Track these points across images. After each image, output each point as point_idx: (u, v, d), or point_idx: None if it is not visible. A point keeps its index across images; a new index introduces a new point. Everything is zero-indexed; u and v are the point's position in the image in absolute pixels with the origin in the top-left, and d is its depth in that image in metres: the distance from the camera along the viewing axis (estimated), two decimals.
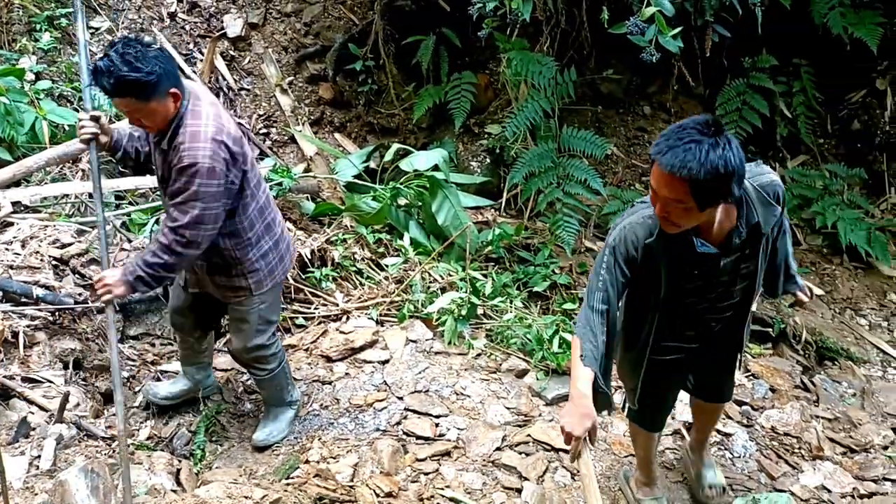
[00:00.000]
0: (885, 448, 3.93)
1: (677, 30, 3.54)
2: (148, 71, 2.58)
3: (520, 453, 3.48)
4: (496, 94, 5.56)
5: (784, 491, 3.50)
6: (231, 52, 5.88)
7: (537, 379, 3.94)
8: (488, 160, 5.41)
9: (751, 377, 4.37)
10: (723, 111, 5.65)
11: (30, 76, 5.00)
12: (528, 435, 3.57)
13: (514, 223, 5.10)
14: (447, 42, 5.38)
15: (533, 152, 4.81)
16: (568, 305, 4.49)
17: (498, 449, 3.48)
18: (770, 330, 4.78)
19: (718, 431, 3.79)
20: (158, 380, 3.82)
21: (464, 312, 4.16)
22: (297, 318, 4.37)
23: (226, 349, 3.78)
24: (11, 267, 3.70)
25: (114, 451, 3.09)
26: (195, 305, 3.36)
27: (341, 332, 4.20)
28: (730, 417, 3.95)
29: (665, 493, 3.34)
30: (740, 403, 4.10)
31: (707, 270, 2.49)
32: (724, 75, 5.66)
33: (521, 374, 4.01)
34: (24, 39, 5.26)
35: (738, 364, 3.08)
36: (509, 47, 4.96)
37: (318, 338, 4.22)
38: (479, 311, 4.30)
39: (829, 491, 3.57)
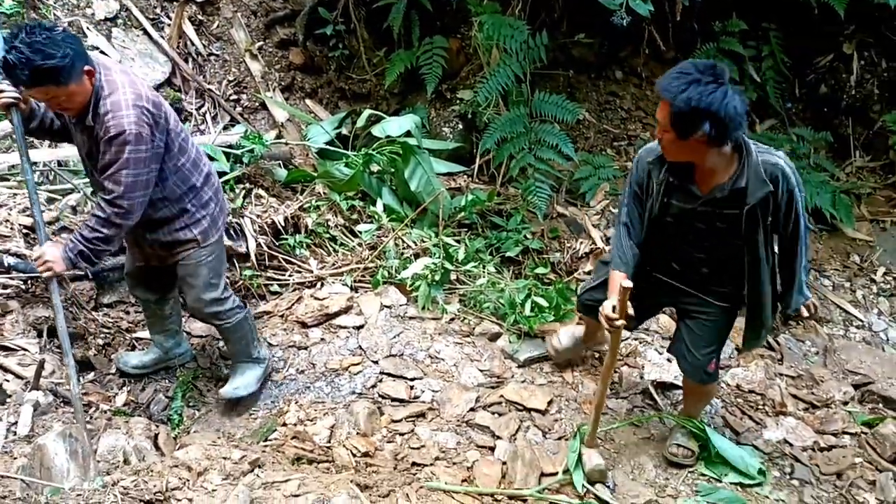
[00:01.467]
0: (846, 403, 4.09)
1: None
2: (62, 55, 2.57)
3: (493, 413, 3.56)
4: (468, 58, 5.54)
5: (748, 445, 3.64)
6: (199, 17, 5.77)
7: (510, 342, 4.01)
8: (460, 126, 5.41)
9: None
10: None
11: None
12: (501, 396, 3.65)
13: (487, 189, 5.13)
14: (418, 6, 5.32)
15: (505, 118, 4.82)
16: (540, 270, 4.56)
17: (471, 409, 3.56)
18: None
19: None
20: (133, 349, 3.84)
21: (437, 278, 4.20)
22: (271, 284, 4.39)
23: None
24: None
25: (91, 418, 3.11)
26: (145, 271, 3.42)
27: (316, 299, 4.23)
28: None
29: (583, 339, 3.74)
30: None
31: (685, 210, 2.80)
32: (695, 40, 5.68)
33: (494, 337, 4.08)
34: None
35: (715, 346, 3.12)
36: (481, 11, 4.93)
37: (293, 304, 4.25)
38: (453, 276, 4.35)
39: (791, 445, 3.71)
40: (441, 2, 5.22)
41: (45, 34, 2.58)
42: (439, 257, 4.26)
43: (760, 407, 3.97)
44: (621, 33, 4.20)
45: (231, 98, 5.67)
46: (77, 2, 5.49)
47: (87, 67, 2.69)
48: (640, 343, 4.21)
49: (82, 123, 2.81)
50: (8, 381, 3.08)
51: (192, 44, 5.67)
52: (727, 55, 5.61)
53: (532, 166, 4.64)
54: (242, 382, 3.56)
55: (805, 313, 3.01)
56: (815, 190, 5.49)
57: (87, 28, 5.39)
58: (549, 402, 3.65)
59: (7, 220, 3.81)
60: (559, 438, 3.44)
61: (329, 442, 3.29)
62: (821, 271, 5.43)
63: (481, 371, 3.85)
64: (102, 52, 5.25)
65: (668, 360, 4.09)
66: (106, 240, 2.89)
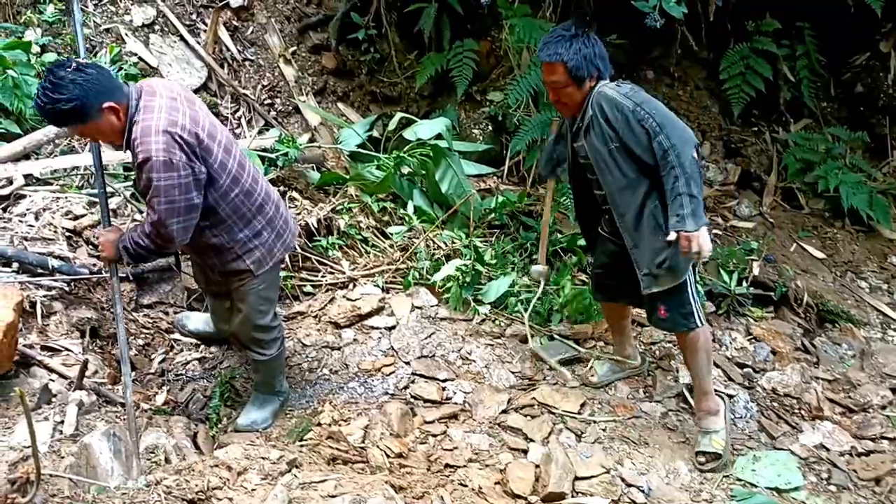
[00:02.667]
0: (884, 408, 4.03)
1: None
2: (67, 98, 2.60)
3: (525, 416, 3.58)
4: (498, 61, 5.55)
5: (784, 450, 3.60)
6: (234, 23, 5.86)
7: (541, 343, 4.02)
8: (490, 128, 5.43)
9: (752, 340, 4.45)
10: (726, 75, 5.64)
11: (35, 49, 5.00)
12: (533, 398, 3.66)
13: (517, 190, 5.14)
14: (449, 9, 5.35)
15: (535, 119, 4.82)
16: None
17: (504, 411, 3.58)
18: (772, 294, 4.84)
19: (720, 393, 3.87)
20: (194, 310, 3.99)
21: (468, 279, 4.23)
22: (304, 285, 4.45)
23: None
24: (26, 238, 3.77)
25: (134, 417, 3.18)
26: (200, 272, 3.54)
27: (348, 300, 4.28)
28: (731, 379, 4.05)
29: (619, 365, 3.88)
30: (741, 366, 4.19)
31: (571, 150, 3.35)
32: (728, 39, 5.64)
33: (525, 339, 4.10)
34: (28, 12, 5.25)
35: (648, 293, 3.27)
36: (511, 14, 4.95)
37: (325, 305, 4.31)
38: (483, 277, 4.37)
39: (828, 449, 3.67)
40: (472, 5, 5.24)
41: (53, 79, 2.62)
42: (470, 258, 4.28)
43: (796, 411, 3.94)
44: (653, 34, 4.18)
45: (265, 102, 5.75)
46: (115, 9, 5.62)
47: (107, 105, 2.69)
48: (674, 346, 4.19)
49: (127, 150, 2.84)
50: (53, 381, 3.16)
51: (228, 49, 5.76)
52: (761, 55, 5.56)
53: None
54: (260, 416, 3.52)
55: (682, 244, 2.98)
56: (852, 190, 5.42)
57: (126, 34, 5.51)
58: (582, 405, 3.66)
59: (51, 224, 3.91)
60: (593, 442, 3.44)
61: (363, 442, 3.33)
62: (857, 273, 5.35)
63: (513, 373, 3.87)
64: (141, 59, 5.37)
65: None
66: (148, 250, 2.93)
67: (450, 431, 3.43)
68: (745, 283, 4.71)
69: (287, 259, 4.36)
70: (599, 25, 4.95)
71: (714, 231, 5.23)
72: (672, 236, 2.99)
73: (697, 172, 2.97)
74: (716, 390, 3.85)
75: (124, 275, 3.90)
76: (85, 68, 2.70)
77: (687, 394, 3.81)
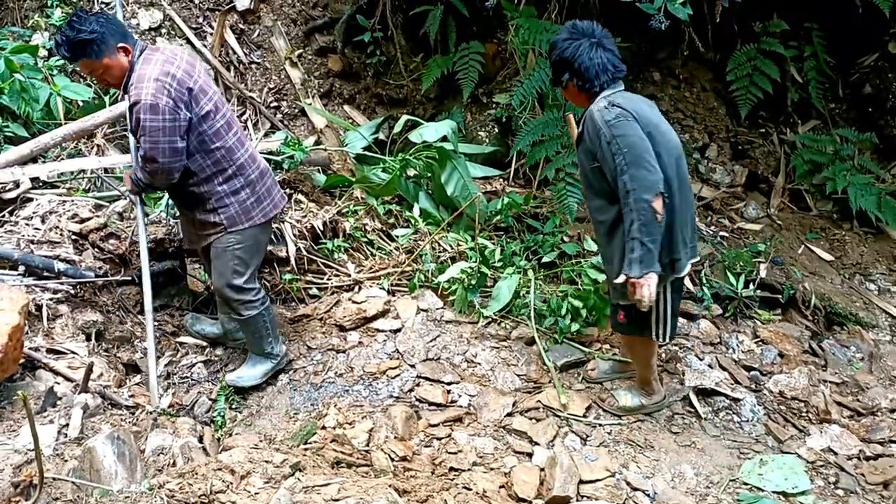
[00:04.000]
0: (892, 411, 3.99)
1: None
2: (90, 30, 3.00)
3: (530, 419, 3.56)
4: (504, 63, 5.54)
5: (791, 453, 3.58)
6: (241, 26, 5.87)
7: (546, 347, 4.01)
8: (496, 130, 5.42)
9: (759, 343, 4.42)
10: (733, 76, 5.61)
11: (43, 52, 5.04)
12: (538, 401, 3.65)
13: (523, 192, 5.13)
14: (455, 12, 5.34)
15: (539, 120, 4.80)
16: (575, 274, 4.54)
17: (509, 415, 3.57)
18: (779, 296, 4.81)
19: (726, 396, 3.86)
20: (201, 312, 4.17)
21: (473, 282, 4.22)
22: (310, 288, 4.45)
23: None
24: (33, 242, 3.79)
25: (137, 420, 3.19)
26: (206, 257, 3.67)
27: (354, 302, 4.27)
28: (738, 382, 4.02)
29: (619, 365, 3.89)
30: (748, 368, 4.16)
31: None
32: (735, 40, 5.60)
33: (531, 341, 4.08)
34: (35, 16, 5.29)
35: (614, 303, 3.35)
36: (517, 16, 4.93)
37: (331, 307, 4.31)
38: (489, 280, 4.35)
39: (836, 453, 3.64)
40: (477, 8, 5.23)
41: (80, 14, 3.05)
42: (475, 261, 4.27)
43: (804, 414, 3.91)
44: (660, 36, 4.16)
45: (271, 105, 5.76)
46: (122, 12, 5.63)
47: (121, 44, 3.09)
48: (680, 349, 4.17)
49: (125, 98, 3.16)
50: (58, 383, 3.17)
51: (234, 52, 5.78)
52: (768, 56, 5.52)
53: (565, 169, 4.62)
54: (248, 373, 3.74)
55: (629, 289, 3.00)
56: (860, 192, 5.38)
57: None
58: (588, 408, 3.64)
59: (57, 227, 3.93)
60: (599, 445, 3.42)
61: (367, 446, 3.32)
62: (866, 275, 5.31)
63: (518, 376, 3.86)
64: None
65: (710, 366, 4.05)
66: (146, 181, 3.31)
67: (454, 435, 3.42)
68: (752, 286, 4.68)
69: (293, 262, 4.36)
70: (604, 25, 4.92)
71: (721, 233, 5.20)
72: (621, 278, 3.00)
73: (653, 221, 2.90)
74: (724, 393, 3.85)
75: (129, 278, 3.92)
76: (105, 14, 3.14)
77: (693, 397, 3.79)
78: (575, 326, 4.05)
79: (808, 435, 3.74)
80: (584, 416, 3.59)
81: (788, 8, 5.49)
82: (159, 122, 3.06)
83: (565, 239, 4.62)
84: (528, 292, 4.22)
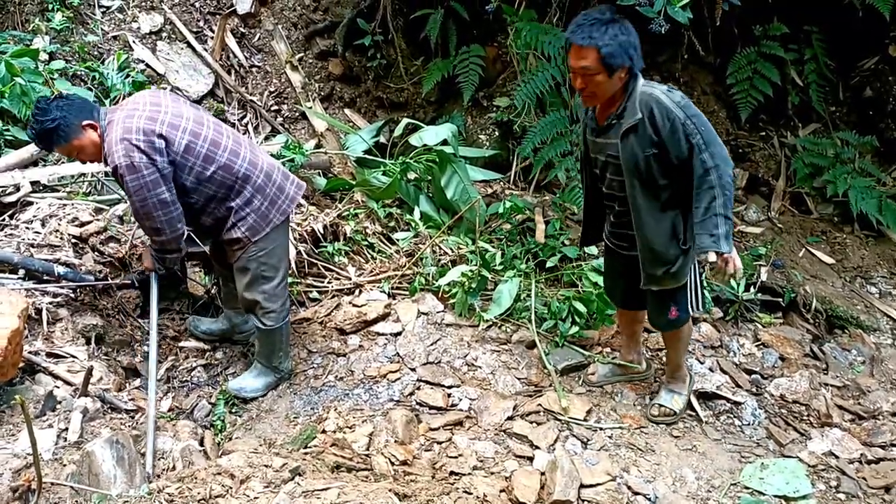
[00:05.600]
0: (894, 415, 3.98)
1: (687, 0, 3.53)
2: (51, 118, 3.05)
3: (531, 423, 3.55)
4: (505, 66, 5.55)
5: (792, 457, 3.57)
6: (241, 29, 5.89)
7: (546, 350, 4.00)
8: (497, 133, 5.42)
9: (760, 346, 4.41)
10: (734, 80, 5.62)
11: (43, 56, 5.04)
12: (539, 405, 3.64)
13: (523, 195, 5.13)
14: (455, 15, 5.36)
15: (543, 121, 4.81)
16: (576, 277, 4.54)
17: (509, 418, 3.56)
18: (780, 300, 4.80)
19: (727, 399, 3.85)
20: (204, 315, 4.15)
21: (474, 285, 4.22)
22: (311, 291, 4.45)
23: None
24: (32, 245, 3.78)
25: (137, 424, 3.19)
26: (218, 247, 3.68)
27: (354, 306, 4.27)
28: (739, 386, 4.01)
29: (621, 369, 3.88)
30: (749, 372, 4.15)
31: (593, 144, 3.14)
32: (735, 44, 5.61)
33: (532, 345, 4.07)
34: (36, 20, 5.29)
35: (642, 282, 3.28)
36: (517, 19, 4.94)
37: (331, 311, 4.30)
38: (490, 283, 4.35)
39: (837, 457, 3.62)
40: (477, 11, 5.24)
41: (40, 105, 3.09)
42: (476, 264, 4.27)
43: (805, 418, 3.89)
44: (660, 39, 4.16)
45: (272, 108, 5.77)
46: (123, 16, 5.66)
47: (85, 122, 3.11)
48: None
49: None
50: (58, 387, 3.17)
51: (235, 56, 5.79)
52: (768, 59, 5.53)
53: (572, 170, 4.63)
54: (250, 384, 3.73)
55: (719, 264, 2.98)
56: (861, 195, 5.38)
57: (133, 42, 5.54)
58: (588, 412, 3.63)
59: (57, 231, 3.93)
60: (599, 449, 3.41)
61: (368, 450, 3.31)
62: (867, 279, 5.30)
63: (519, 379, 3.85)
64: (148, 66, 5.39)
65: (710, 369, 4.05)
66: (160, 251, 3.33)
67: (455, 438, 3.41)
68: (752, 289, 4.67)
69: (294, 265, 4.35)
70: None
71: None
72: (712, 257, 2.96)
73: (733, 195, 2.97)
74: (725, 396, 3.85)
75: (129, 281, 3.91)
76: (65, 97, 3.17)
77: (694, 401, 3.78)
78: (575, 329, 4.05)
79: (809, 439, 3.73)
80: (585, 419, 3.58)
81: (788, 11, 5.49)
82: (140, 179, 3.05)
83: (566, 242, 4.61)
84: (528, 296, 4.22)
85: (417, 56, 5.80)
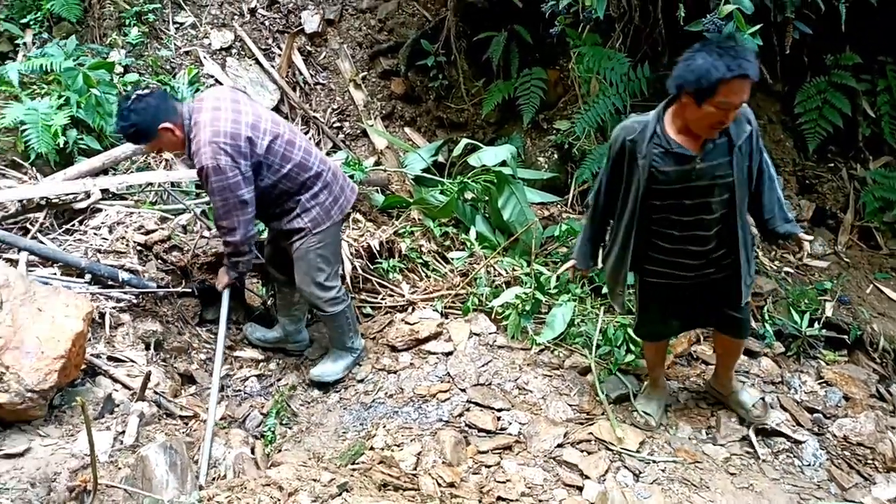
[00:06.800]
0: None
1: (756, 27, 3.46)
2: (131, 123, 3.25)
3: (581, 451, 3.48)
4: (566, 89, 5.53)
5: (855, 502, 3.41)
6: (308, 48, 6.02)
7: (600, 378, 3.92)
8: (556, 156, 5.39)
9: (824, 384, 4.24)
10: (802, 109, 5.46)
11: (118, 69, 5.24)
12: (591, 433, 3.57)
13: (579, 219, 5.07)
14: (518, 38, 5.38)
15: (602, 148, 4.76)
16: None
17: (559, 445, 3.50)
18: (846, 337, 4.62)
19: (787, 437, 3.71)
20: (259, 323, 4.30)
21: (528, 308, 4.17)
22: (364, 307, 4.47)
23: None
24: (99, 251, 3.90)
25: (191, 430, 3.24)
26: (279, 256, 3.87)
27: (407, 323, 4.27)
28: (800, 424, 3.86)
29: (664, 397, 3.81)
30: (811, 411, 3.99)
31: (683, 173, 2.91)
32: (805, 72, 5.46)
33: (584, 371, 4.01)
34: (114, 34, 5.51)
35: (742, 299, 3.24)
36: (580, 43, 4.92)
37: (384, 327, 4.32)
38: (543, 306, 4.30)
39: None
40: (541, 34, 5.24)
41: (121, 112, 3.27)
42: (531, 287, 4.23)
43: (869, 462, 3.72)
44: None
45: (334, 125, 5.86)
46: (195, 32, 5.84)
47: (162, 126, 3.28)
48: (742, 386, 4.03)
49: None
50: (117, 391, 3.24)
51: (300, 73, 5.91)
52: (839, 89, 5.36)
53: None
54: (330, 369, 3.94)
55: (806, 238, 3.16)
56: None
57: (204, 57, 5.71)
58: (641, 444, 3.54)
59: (123, 238, 4.04)
60: (652, 482, 3.32)
61: (415, 469, 3.29)
62: None
63: (570, 406, 3.78)
64: (217, 81, 5.55)
65: (770, 405, 3.91)
66: (234, 254, 3.54)
67: (504, 463, 3.37)
68: (817, 325, 4.50)
69: (349, 280, 4.39)
70: (670, 55, 4.87)
71: (785, 268, 5.04)
72: (808, 237, 3.16)
73: None
74: (785, 434, 3.71)
75: (189, 290, 4.00)
76: (144, 98, 3.29)
77: (753, 438, 3.66)
78: (630, 358, 3.97)
79: (873, 483, 3.56)
80: (638, 451, 3.49)
81: (862, 41, 5.33)
82: (224, 181, 3.27)
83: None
84: (583, 321, 4.16)
85: (479, 77, 5.83)
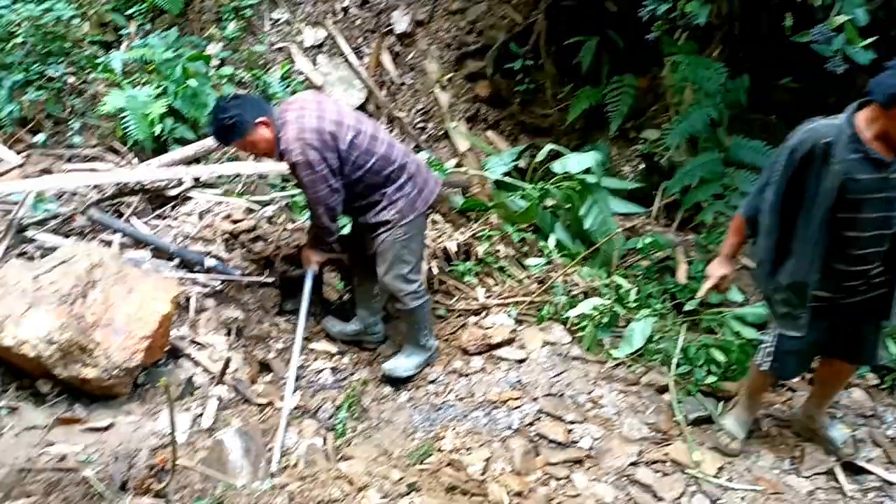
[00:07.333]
0: None
1: (869, 40, 3.28)
2: (229, 116, 3.35)
3: (656, 472, 3.36)
4: (657, 98, 5.39)
5: None
6: (396, 48, 6.06)
7: (678, 398, 3.79)
8: (642, 166, 5.27)
9: None
10: None
11: (215, 62, 5.40)
12: (666, 454, 3.44)
13: (665, 232, 4.93)
14: (610, 43, 5.27)
15: (696, 161, 4.62)
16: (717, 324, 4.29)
17: (633, 464, 3.39)
18: None
19: (878, 476, 3.49)
20: (336, 317, 4.33)
21: (605, 320, 4.08)
22: (438, 308, 4.45)
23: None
24: (188, 237, 4.02)
25: (265, 418, 3.29)
26: (358, 247, 3.91)
27: (480, 327, 4.24)
28: (892, 462, 3.63)
29: (751, 422, 3.61)
30: None
31: (876, 181, 2.74)
32: None
33: (662, 389, 3.88)
34: (212, 28, 5.68)
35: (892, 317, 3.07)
36: (676, 51, 4.78)
37: (456, 330, 4.29)
38: (621, 320, 4.19)
39: None
40: (633, 40, 5.12)
41: (220, 106, 3.42)
42: (609, 299, 4.13)
43: None
44: (831, 80, 3.89)
45: (417, 125, 5.89)
46: (289, 29, 5.97)
47: (258, 120, 3.39)
48: (832, 421, 3.82)
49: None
50: (197, 374, 3.32)
51: (387, 73, 5.96)
52: None
53: (723, 214, 4.39)
54: (403, 364, 3.94)
55: None
56: None
57: (296, 54, 5.83)
58: (720, 469, 3.40)
59: (211, 225, 4.15)
60: None
61: (483, 475, 3.25)
62: None
63: (646, 424, 3.66)
64: (307, 78, 5.65)
65: (861, 440, 3.69)
66: (322, 232, 3.65)
67: (574, 477, 3.29)
68: None
69: (425, 281, 4.38)
70: (774, 66, 4.69)
71: None
72: None
73: None
74: (875, 473, 3.49)
75: (272, 280, 4.07)
76: (241, 96, 3.55)
77: (839, 472, 3.45)
78: (712, 379, 3.82)
79: None
80: (716, 476, 3.35)
81: None
82: (315, 174, 3.40)
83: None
84: (662, 337, 4.03)
85: (566, 82, 5.74)
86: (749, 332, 4.05)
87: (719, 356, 3.87)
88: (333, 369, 4.09)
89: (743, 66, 4.79)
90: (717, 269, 3.27)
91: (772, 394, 4.03)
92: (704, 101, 4.66)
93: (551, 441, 3.53)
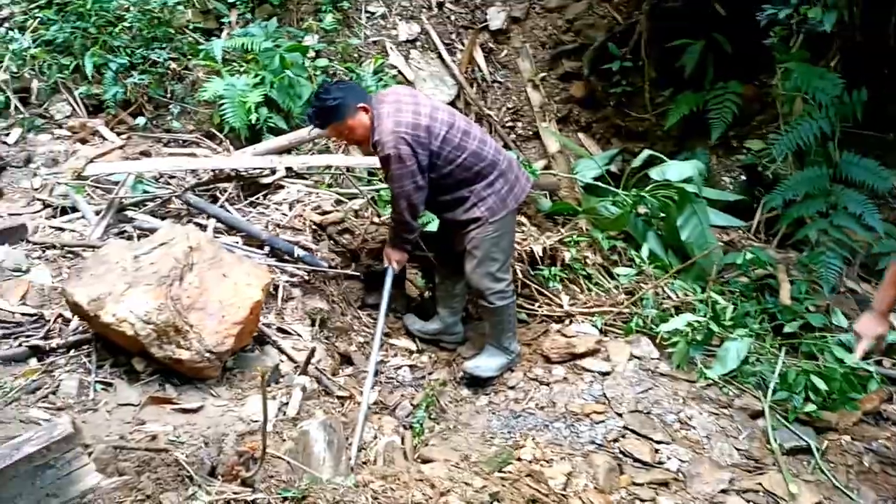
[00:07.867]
0: None
1: None
2: (333, 97, 3.40)
3: (747, 501, 3.19)
4: (763, 107, 5.14)
5: None
6: (490, 45, 5.99)
7: (773, 425, 3.58)
8: (743, 177, 5.03)
9: None
10: None
11: (311, 53, 5.44)
12: (759, 483, 3.26)
13: (765, 248, 4.69)
14: (716, 48, 5.06)
15: (801, 176, 4.38)
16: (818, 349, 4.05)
17: (723, 491, 3.22)
18: None
19: None
20: (416, 314, 4.33)
21: (699, 337, 3.90)
22: (520, 313, 4.35)
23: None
24: (279, 226, 4.05)
25: (346, 410, 3.26)
26: (443, 244, 3.93)
27: (563, 335, 4.12)
28: None
29: None
30: None
31: None
32: None
33: (756, 414, 3.68)
34: (310, 19, 5.73)
35: None
36: (788, 59, 4.54)
37: (538, 336, 4.20)
38: (715, 338, 4.00)
39: None
40: (741, 45, 4.90)
41: (324, 86, 3.52)
42: (705, 315, 3.95)
43: None
44: None
45: (507, 124, 5.80)
46: (384, 23, 5.97)
47: (359, 105, 3.44)
48: None
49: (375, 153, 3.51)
50: (283, 361, 3.32)
51: (479, 70, 5.90)
52: None
53: (826, 233, 4.15)
54: (485, 364, 3.89)
55: None
56: None
57: (390, 48, 5.82)
58: (818, 503, 3.19)
59: (301, 216, 4.18)
60: None
61: (564, 490, 3.14)
62: None
63: (738, 450, 3.48)
64: (400, 72, 5.63)
65: None
66: (401, 227, 3.63)
67: (660, 500, 3.14)
68: None
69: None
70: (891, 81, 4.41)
71: None
72: None
73: None
74: None
75: (357, 273, 4.07)
76: (344, 81, 3.62)
77: None
78: (811, 408, 3.60)
79: None
80: None
81: None
82: (404, 168, 3.41)
83: (811, 308, 4.13)
84: (759, 360, 3.82)
85: (665, 86, 5.55)
86: (853, 360, 3.81)
87: (820, 384, 3.64)
88: (412, 367, 4.06)
89: (861, 78, 4.51)
90: (871, 328, 2.91)
91: (874, 426, 3.79)
92: (816, 112, 4.42)
93: (636, 460, 3.39)
